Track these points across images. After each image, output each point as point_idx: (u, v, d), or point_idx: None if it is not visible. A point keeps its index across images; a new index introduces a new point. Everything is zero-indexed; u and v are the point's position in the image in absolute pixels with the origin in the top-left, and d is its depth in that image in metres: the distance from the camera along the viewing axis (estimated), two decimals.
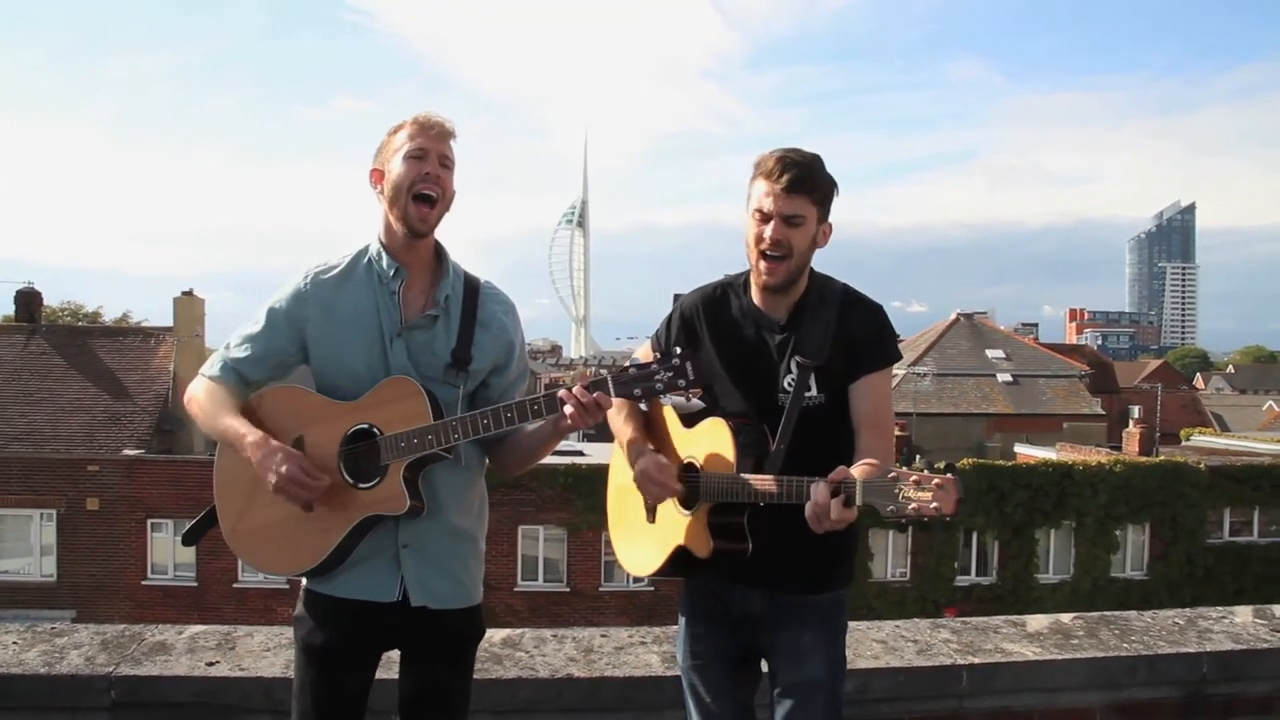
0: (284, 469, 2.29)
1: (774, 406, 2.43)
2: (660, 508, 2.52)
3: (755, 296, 2.52)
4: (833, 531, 2.23)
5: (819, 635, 2.47)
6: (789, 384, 2.43)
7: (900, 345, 2.62)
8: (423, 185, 2.36)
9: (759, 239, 2.40)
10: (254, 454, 2.34)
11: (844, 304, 2.47)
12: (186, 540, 2.62)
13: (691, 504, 2.43)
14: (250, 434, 2.36)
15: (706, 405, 2.58)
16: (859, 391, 2.43)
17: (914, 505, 2.01)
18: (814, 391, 2.43)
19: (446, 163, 2.41)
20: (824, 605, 2.50)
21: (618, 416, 2.59)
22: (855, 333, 2.44)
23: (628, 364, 2.24)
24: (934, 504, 1.99)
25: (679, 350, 2.24)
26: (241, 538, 2.48)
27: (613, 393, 2.22)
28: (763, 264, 2.41)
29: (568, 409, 2.24)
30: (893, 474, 2.05)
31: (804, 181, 2.36)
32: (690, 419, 2.53)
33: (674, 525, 2.47)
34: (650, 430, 2.60)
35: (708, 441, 2.44)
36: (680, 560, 2.46)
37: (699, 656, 2.58)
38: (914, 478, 2.02)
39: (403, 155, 2.37)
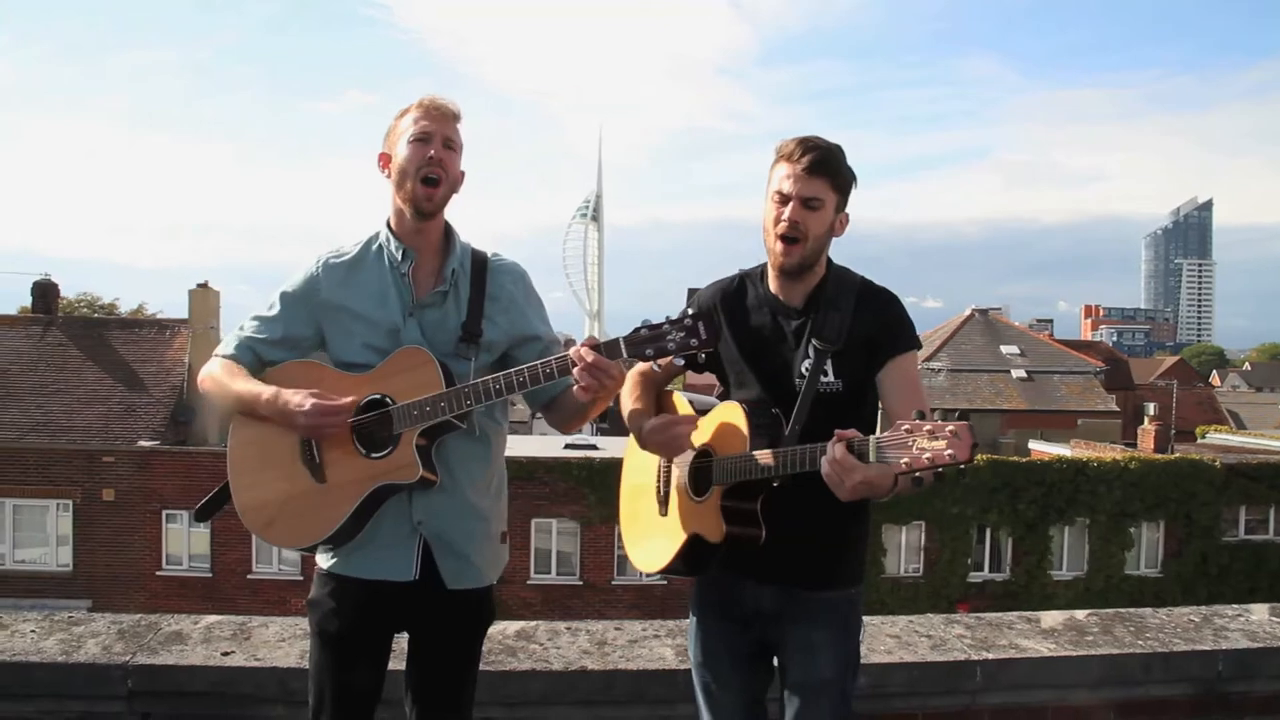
0: (306, 405, 2.33)
1: (790, 392, 2.41)
2: (673, 499, 2.52)
3: (772, 284, 2.51)
4: (848, 520, 2.27)
5: (830, 633, 2.46)
6: (806, 369, 2.41)
7: None
8: (427, 169, 2.39)
9: (776, 220, 2.39)
10: (271, 408, 2.38)
11: (861, 293, 2.46)
12: (199, 516, 2.66)
13: (704, 490, 2.43)
14: (265, 391, 2.40)
15: (723, 394, 2.58)
16: (887, 379, 2.41)
17: (929, 455, 1.95)
18: (831, 377, 2.41)
19: (451, 144, 2.43)
20: (835, 602, 2.48)
21: (627, 399, 2.58)
22: (873, 321, 2.43)
23: (640, 325, 2.21)
24: (949, 451, 1.93)
25: (690, 311, 2.23)
26: (254, 512, 2.49)
27: (625, 353, 2.20)
28: (779, 245, 2.40)
29: (579, 381, 2.21)
30: (906, 426, 2.00)
31: (825, 164, 2.36)
32: (705, 411, 2.52)
33: (687, 513, 2.47)
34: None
35: (722, 425, 2.43)
36: (692, 552, 2.44)
37: (710, 653, 2.57)
38: (927, 427, 1.97)
39: (407, 139, 2.40)
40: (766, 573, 2.44)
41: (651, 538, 2.58)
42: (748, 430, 2.35)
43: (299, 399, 2.34)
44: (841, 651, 2.48)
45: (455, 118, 2.45)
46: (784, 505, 2.33)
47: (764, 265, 2.54)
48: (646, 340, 2.19)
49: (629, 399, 2.59)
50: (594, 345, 2.22)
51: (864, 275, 2.52)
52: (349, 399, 2.35)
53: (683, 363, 2.34)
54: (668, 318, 2.21)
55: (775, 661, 2.56)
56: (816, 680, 2.44)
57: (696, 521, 2.43)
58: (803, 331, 2.45)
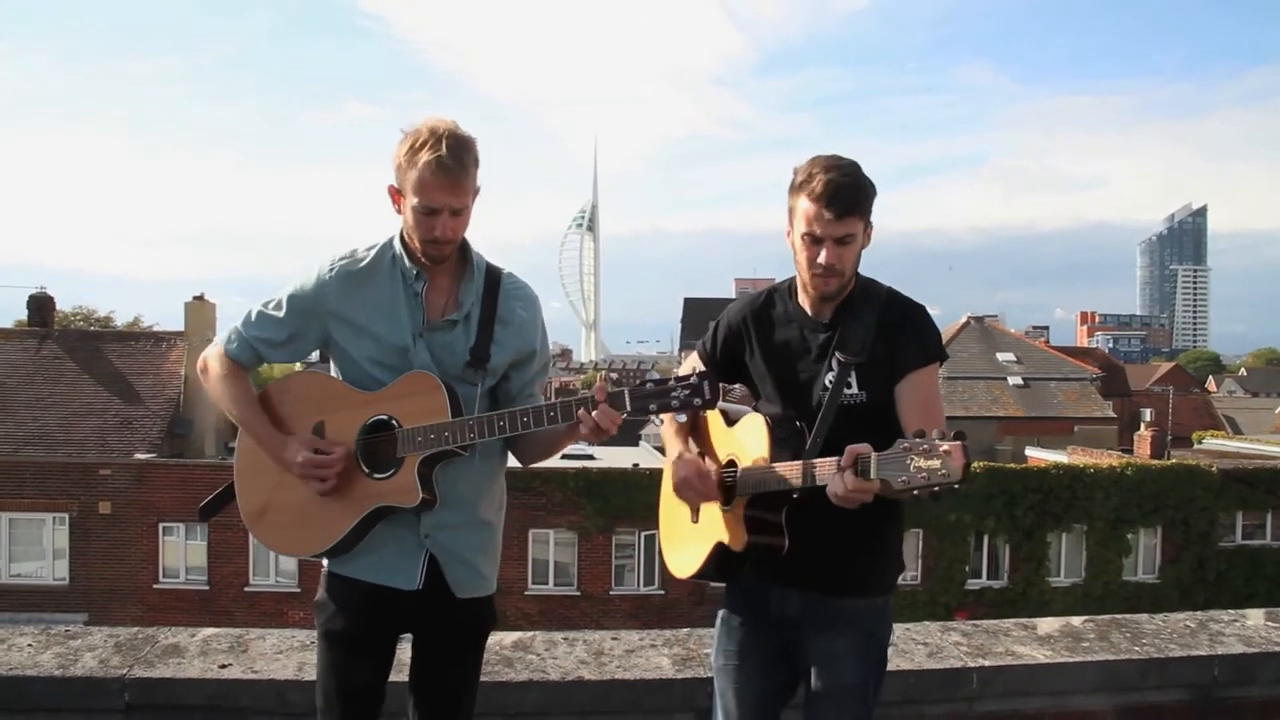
0: (299, 457, 2.37)
1: (815, 405, 2.44)
2: (703, 507, 2.55)
3: (802, 300, 2.54)
4: (876, 530, 2.39)
5: (853, 641, 2.47)
6: (829, 382, 2.43)
7: None
8: (435, 244, 2.37)
9: (812, 262, 2.40)
10: (273, 453, 2.44)
11: (887, 304, 2.48)
12: (202, 514, 2.71)
13: (730, 499, 2.46)
14: (267, 435, 2.45)
15: (753, 407, 2.61)
16: (904, 391, 2.42)
17: (923, 474, 2.00)
18: (855, 389, 2.43)
19: (460, 211, 2.36)
20: (861, 611, 2.50)
21: (668, 422, 2.62)
22: (897, 331, 2.44)
23: (645, 379, 2.26)
24: (942, 470, 1.98)
25: (697, 370, 2.27)
26: (257, 518, 2.54)
27: (629, 408, 2.25)
28: (818, 280, 2.43)
29: (583, 428, 2.27)
30: (905, 444, 2.04)
31: (855, 205, 2.37)
32: (736, 421, 2.55)
33: (714, 522, 2.50)
34: (694, 429, 2.64)
35: (746, 437, 2.47)
36: (720, 560, 2.47)
37: (733, 656, 2.58)
38: (923, 446, 2.01)
39: (413, 205, 2.33)
40: (794, 579, 2.47)
41: (685, 545, 2.61)
42: (769, 442, 2.38)
43: (288, 451, 2.40)
44: (865, 659, 2.49)
45: (468, 170, 2.35)
46: (811, 514, 2.34)
47: (793, 280, 2.56)
48: (651, 395, 2.24)
49: (671, 421, 2.63)
50: (606, 396, 2.26)
51: (891, 286, 2.53)
52: (340, 451, 2.38)
53: (685, 418, 2.36)
54: (676, 374, 2.27)
55: (798, 671, 2.56)
56: (838, 686, 2.46)
57: (722, 530, 2.46)
58: (828, 345, 2.47)
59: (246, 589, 22.49)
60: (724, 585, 2.65)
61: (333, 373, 2.53)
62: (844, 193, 2.36)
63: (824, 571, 2.45)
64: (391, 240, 2.49)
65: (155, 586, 22.67)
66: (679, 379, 2.24)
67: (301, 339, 2.50)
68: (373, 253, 2.49)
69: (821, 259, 2.39)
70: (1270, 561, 25.06)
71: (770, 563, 2.42)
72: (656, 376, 2.27)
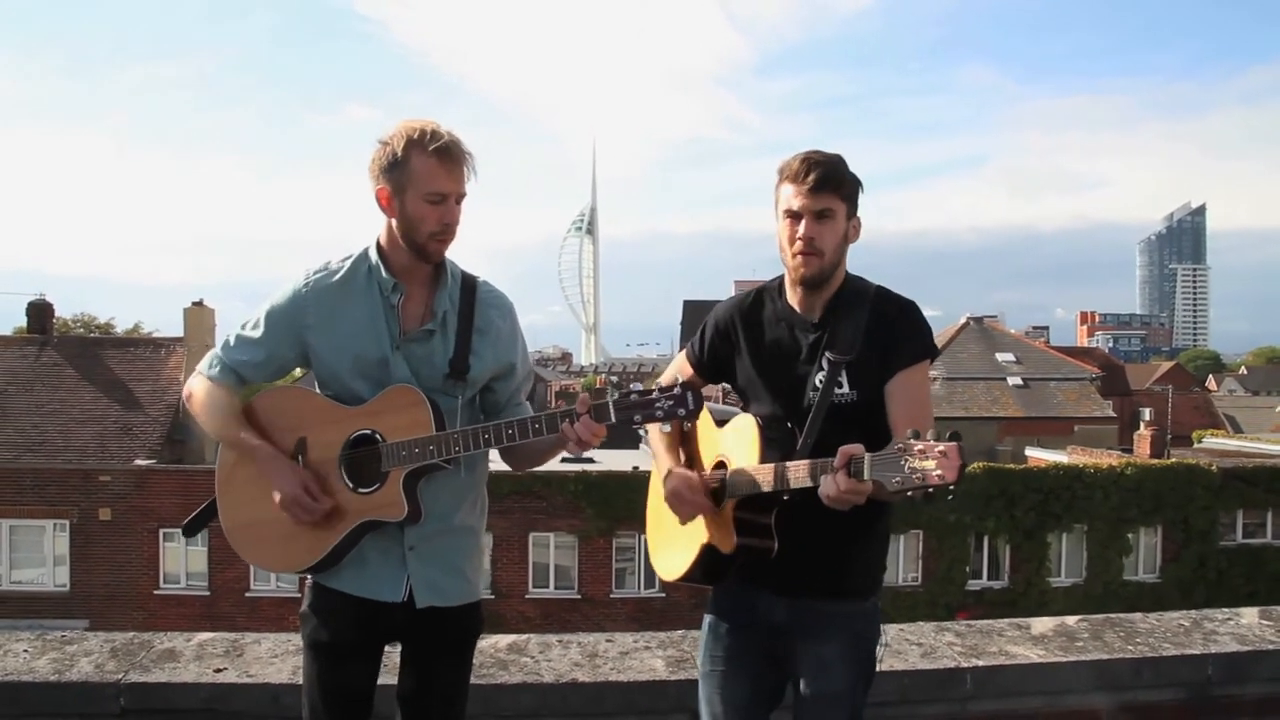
0: (287, 488, 2.35)
1: (805, 405, 2.43)
2: None
3: (790, 297, 2.53)
4: (863, 534, 2.39)
5: (841, 647, 2.47)
6: (820, 381, 2.42)
7: None
8: (442, 235, 2.38)
9: (792, 239, 2.42)
10: (266, 467, 2.41)
11: (876, 302, 2.47)
12: (187, 531, 2.70)
13: (720, 501, 2.44)
14: (261, 448, 2.42)
15: (742, 408, 2.60)
16: (894, 390, 2.41)
17: (918, 475, 1.98)
18: (846, 388, 2.42)
19: (461, 200, 2.40)
20: (849, 616, 2.49)
21: (654, 430, 2.62)
22: (888, 329, 2.43)
23: (630, 389, 2.26)
24: (937, 472, 1.96)
25: (681, 380, 2.27)
26: (240, 533, 2.52)
27: (613, 418, 2.26)
28: (798, 259, 2.43)
29: (565, 427, 2.28)
30: (899, 445, 2.03)
31: (829, 179, 2.39)
32: (724, 422, 2.55)
33: (702, 523, 2.49)
34: (683, 433, 2.64)
35: (736, 439, 2.46)
36: (708, 562, 2.46)
37: (720, 661, 2.58)
38: (919, 447, 2.00)
39: (422, 196, 2.35)
40: (781, 584, 2.46)
41: (672, 546, 2.60)
42: (760, 444, 2.37)
43: (282, 479, 2.37)
44: (852, 665, 2.48)
45: (468, 166, 2.40)
46: (798, 518, 2.34)
47: (782, 279, 2.56)
48: (635, 406, 2.25)
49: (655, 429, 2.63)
50: (587, 412, 2.26)
51: (880, 284, 2.53)
52: (327, 504, 2.37)
53: (669, 429, 2.39)
54: (659, 385, 2.27)
55: (785, 676, 2.56)
56: (827, 692, 2.45)
57: (711, 532, 2.45)
58: (818, 344, 2.46)
59: (248, 594, 22.49)
60: (713, 588, 2.64)
61: (316, 387, 2.52)
62: (820, 168, 2.39)
63: (812, 576, 2.44)
64: (367, 251, 2.48)
65: (156, 592, 22.69)
66: (663, 389, 2.24)
67: (282, 357, 2.49)
68: (348, 264, 2.48)
69: (800, 231, 2.40)
70: (1271, 560, 25.03)
71: (759, 566, 2.41)
72: (639, 386, 2.28)
